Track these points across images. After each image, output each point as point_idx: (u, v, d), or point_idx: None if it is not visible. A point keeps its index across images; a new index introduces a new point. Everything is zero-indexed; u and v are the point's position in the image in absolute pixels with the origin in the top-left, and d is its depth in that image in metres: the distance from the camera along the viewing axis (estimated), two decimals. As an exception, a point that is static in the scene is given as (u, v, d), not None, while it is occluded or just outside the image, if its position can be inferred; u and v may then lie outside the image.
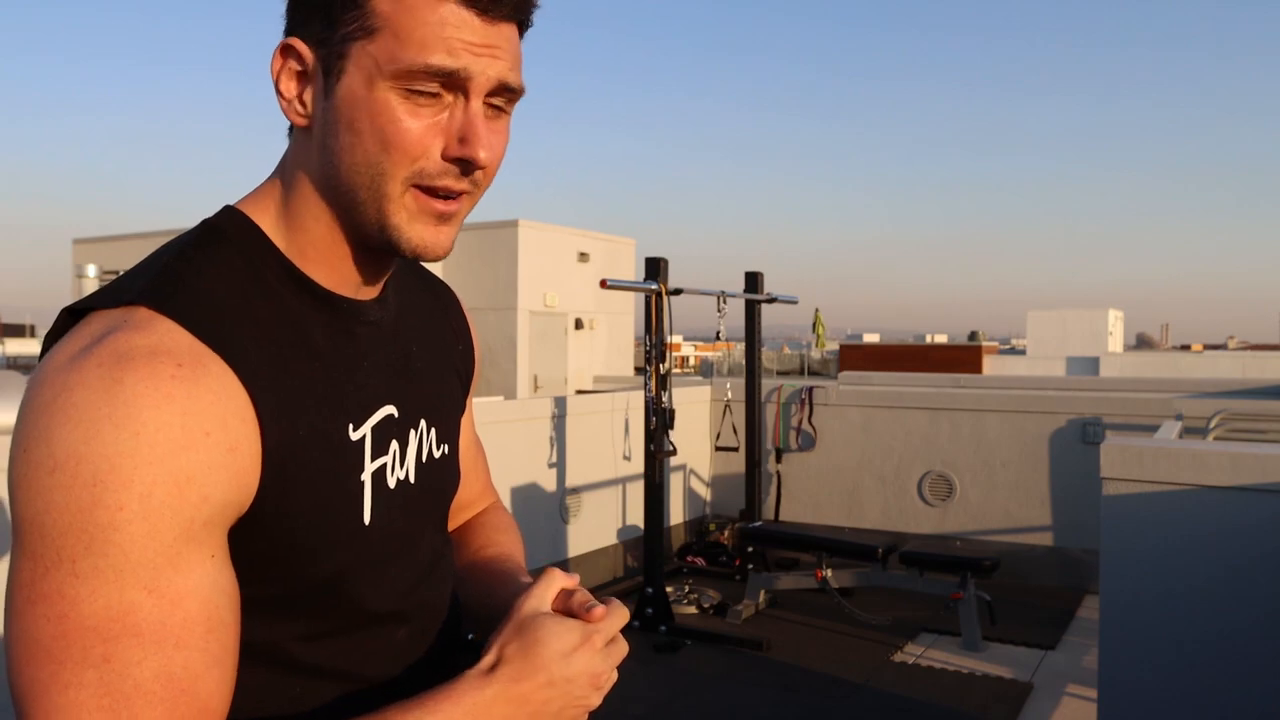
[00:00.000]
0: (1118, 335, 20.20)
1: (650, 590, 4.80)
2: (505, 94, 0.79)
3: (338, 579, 0.81)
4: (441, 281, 1.06)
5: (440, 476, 0.95)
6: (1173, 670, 2.73)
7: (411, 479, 0.88)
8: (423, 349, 0.95)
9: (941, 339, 35.90)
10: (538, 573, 0.87)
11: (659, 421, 4.84)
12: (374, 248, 0.82)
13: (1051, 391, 6.58)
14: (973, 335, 26.12)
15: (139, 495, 0.66)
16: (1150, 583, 2.76)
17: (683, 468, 6.57)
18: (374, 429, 0.84)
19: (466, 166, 0.77)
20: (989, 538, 5.89)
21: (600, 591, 5.42)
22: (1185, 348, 31.60)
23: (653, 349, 4.86)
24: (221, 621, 0.70)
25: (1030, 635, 4.75)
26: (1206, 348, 28.77)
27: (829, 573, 4.95)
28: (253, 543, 0.75)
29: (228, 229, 0.81)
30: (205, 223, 0.82)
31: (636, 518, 5.88)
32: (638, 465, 5.69)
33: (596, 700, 0.83)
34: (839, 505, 6.43)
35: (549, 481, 5.33)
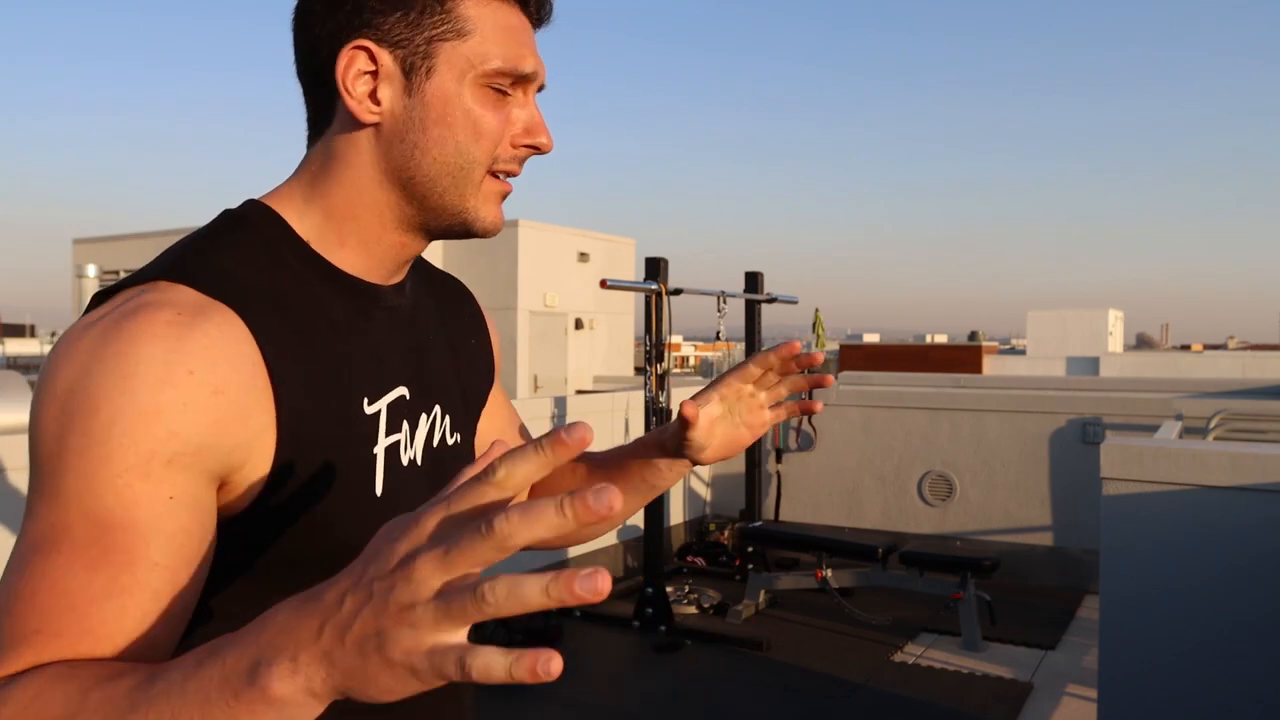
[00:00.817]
0: (1118, 335, 20.19)
1: (650, 590, 4.80)
2: (539, 90, 0.89)
3: (350, 548, 0.79)
4: (454, 277, 1.10)
5: (448, 466, 0.96)
6: (1173, 670, 2.73)
7: (419, 461, 0.90)
8: (438, 337, 0.98)
9: (941, 339, 35.89)
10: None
11: (658, 421, 4.84)
12: (436, 231, 0.88)
13: (1051, 391, 6.58)
14: (973, 335, 26.12)
15: (102, 423, 0.68)
16: (1150, 582, 2.76)
17: (683, 468, 6.57)
18: (389, 406, 0.87)
19: (533, 153, 0.87)
20: (989, 538, 5.89)
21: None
22: (1185, 348, 31.61)
23: (652, 349, 4.86)
24: (149, 560, 0.69)
25: (1030, 635, 4.74)
26: (1206, 348, 28.77)
27: (829, 573, 4.95)
28: (269, 502, 0.76)
29: (249, 216, 0.84)
30: (226, 211, 0.85)
31: (636, 517, 5.89)
32: (638, 465, 5.69)
33: (410, 641, 0.51)
34: (839, 505, 6.43)
35: (549, 481, 5.33)
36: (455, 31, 0.81)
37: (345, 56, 0.81)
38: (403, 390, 0.89)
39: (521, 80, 0.85)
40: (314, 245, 0.85)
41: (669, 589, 5.04)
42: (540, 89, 0.89)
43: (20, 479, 3.04)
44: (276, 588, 0.76)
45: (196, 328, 0.72)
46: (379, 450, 0.84)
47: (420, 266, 1.02)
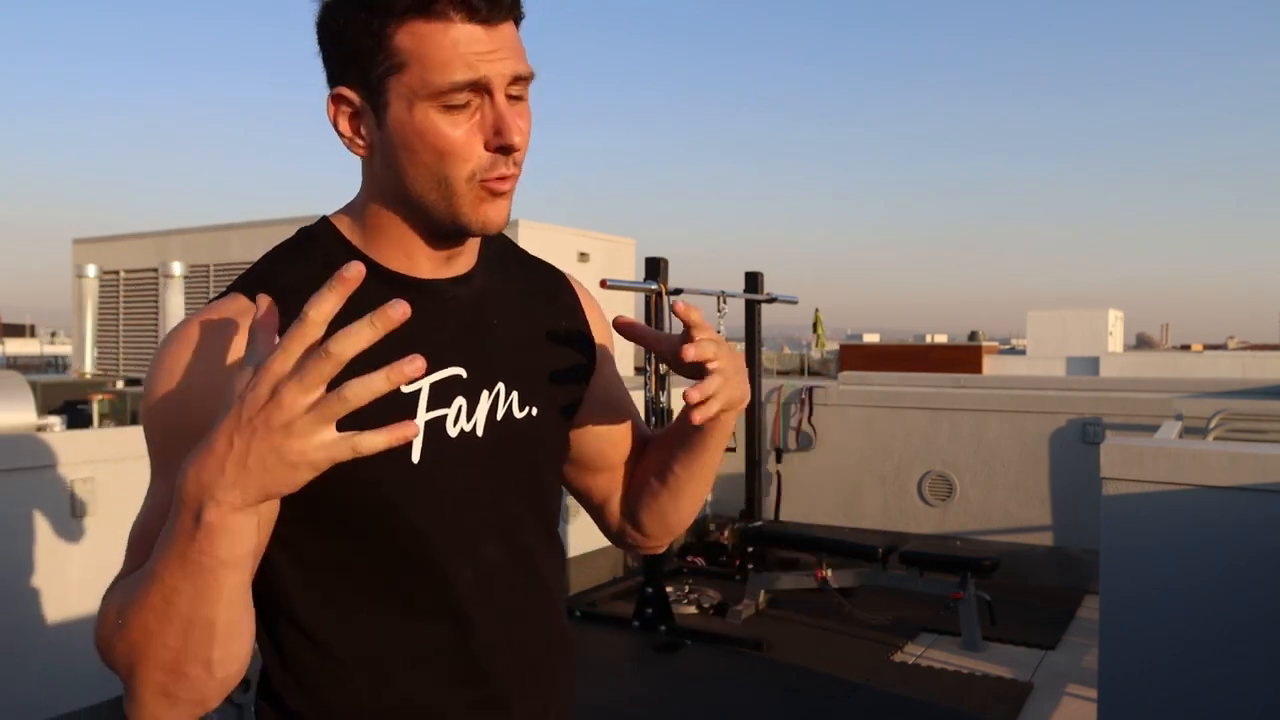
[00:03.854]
0: (1118, 335, 20.17)
1: (650, 590, 4.80)
2: (520, 82, 0.95)
3: (390, 507, 0.95)
4: (553, 268, 1.20)
5: (521, 435, 1.05)
6: (1173, 670, 2.73)
7: (479, 432, 1.01)
8: (509, 322, 1.07)
9: (941, 339, 35.84)
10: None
11: (658, 421, 4.84)
12: (446, 234, 0.99)
13: (1051, 391, 6.58)
14: (973, 335, 26.11)
15: (149, 405, 0.92)
16: (1150, 583, 2.76)
17: (683, 468, 6.56)
18: (434, 385, 0.98)
19: (507, 151, 0.93)
20: (989, 538, 5.89)
21: (600, 592, 5.42)
22: (1185, 348, 31.57)
23: (653, 349, 4.85)
24: None
25: (1030, 635, 4.74)
26: (1206, 348, 28.74)
27: (829, 572, 4.95)
28: None
29: (315, 231, 1.02)
30: (302, 229, 1.03)
31: (636, 518, 5.88)
32: (638, 465, 5.69)
33: (287, 415, 0.71)
34: (839, 505, 6.43)
35: (549, 481, 5.32)
36: (395, 66, 0.91)
37: (330, 105, 0.96)
38: (456, 370, 1.00)
39: (475, 87, 0.91)
40: (365, 251, 1.00)
41: (669, 589, 5.04)
42: (523, 81, 0.95)
43: (21, 477, 3.10)
44: (334, 535, 0.96)
45: (220, 324, 0.91)
46: (418, 424, 0.91)
47: (514, 258, 1.14)
